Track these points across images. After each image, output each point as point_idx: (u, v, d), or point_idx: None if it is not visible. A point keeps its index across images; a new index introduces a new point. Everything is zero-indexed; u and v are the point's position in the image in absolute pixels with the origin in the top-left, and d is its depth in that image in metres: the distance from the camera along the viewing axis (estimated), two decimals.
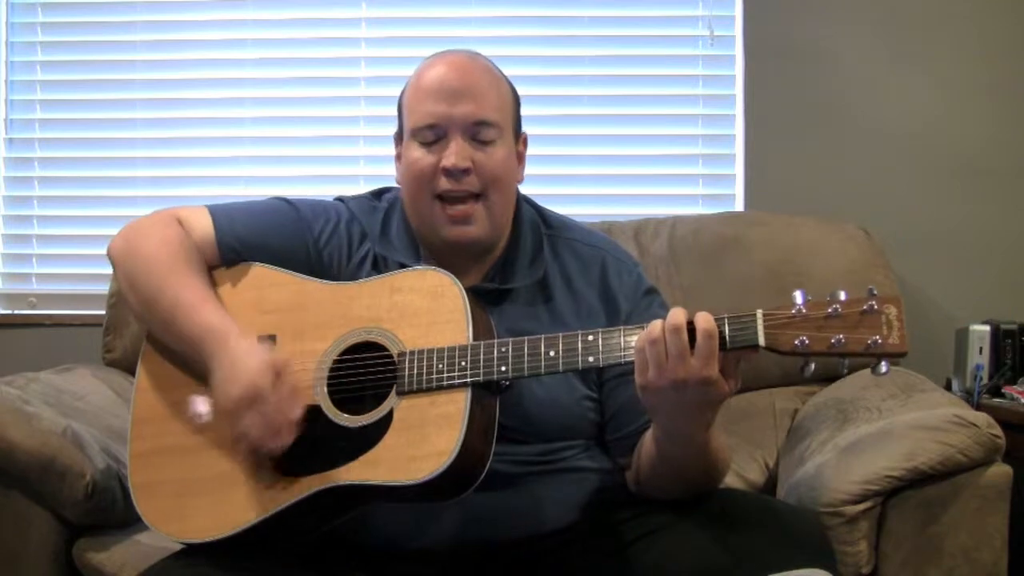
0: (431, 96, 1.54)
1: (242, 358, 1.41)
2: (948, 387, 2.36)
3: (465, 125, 1.53)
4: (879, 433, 1.73)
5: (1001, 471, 1.65)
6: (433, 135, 1.54)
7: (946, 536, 1.63)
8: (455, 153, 1.52)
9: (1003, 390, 2.28)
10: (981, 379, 2.31)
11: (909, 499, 1.64)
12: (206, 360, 1.45)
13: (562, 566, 1.48)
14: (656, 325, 1.31)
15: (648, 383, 1.32)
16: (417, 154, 1.55)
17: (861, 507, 1.62)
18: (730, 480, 2.09)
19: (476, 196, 1.54)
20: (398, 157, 1.63)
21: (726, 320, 1.31)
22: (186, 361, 1.52)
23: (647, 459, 1.49)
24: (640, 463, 1.51)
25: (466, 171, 1.52)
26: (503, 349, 1.40)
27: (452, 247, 1.56)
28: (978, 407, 2.08)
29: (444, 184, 1.53)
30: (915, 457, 1.62)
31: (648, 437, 1.48)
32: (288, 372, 1.42)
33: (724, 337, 1.30)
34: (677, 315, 1.30)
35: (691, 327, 1.30)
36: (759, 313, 1.31)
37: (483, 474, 1.38)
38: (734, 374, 1.33)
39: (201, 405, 1.50)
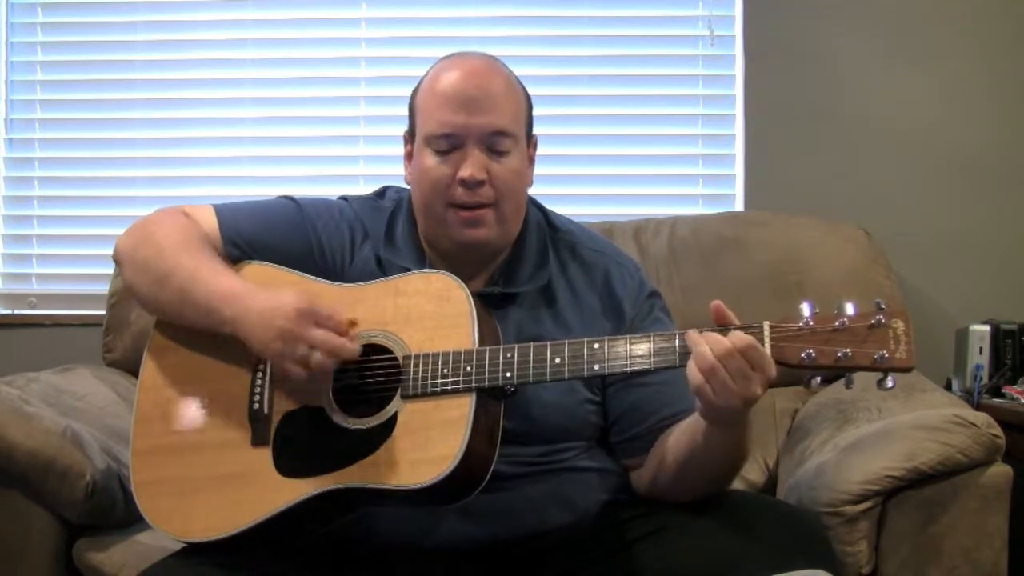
0: (448, 104, 1.52)
1: (272, 298, 1.41)
2: (948, 387, 2.36)
3: (481, 136, 1.52)
4: (879, 433, 1.73)
5: (1001, 471, 1.65)
6: (448, 144, 1.53)
7: (946, 536, 1.63)
8: (472, 165, 1.51)
9: (1003, 390, 2.28)
10: (981, 379, 2.31)
11: (909, 499, 1.64)
12: (228, 323, 1.44)
13: (563, 566, 1.48)
14: (704, 356, 1.28)
15: (716, 405, 1.30)
16: (431, 162, 1.54)
17: (861, 507, 1.62)
18: None
19: (489, 204, 1.53)
20: (408, 156, 1.62)
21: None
22: (194, 358, 1.51)
23: (678, 458, 1.47)
24: (664, 464, 1.50)
25: (481, 183, 1.52)
26: (508, 355, 1.39)
27: (461, 249, 1.56)
28: (978, 407, 2.08)
29: (459, 194, 1.52)
30: (915, 457, 1.62)
31: (680, 440, 1.47)
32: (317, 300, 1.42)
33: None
34: (720, 340, 1.28)
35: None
36: (766, 325, 1.31)
37: (486, 478, 1.39)
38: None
39: (208, 404, 1.50)
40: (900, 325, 1.27)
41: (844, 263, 2.35)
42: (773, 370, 1.29)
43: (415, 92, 1.61)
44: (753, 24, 2.72)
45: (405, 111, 1.63)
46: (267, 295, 1.44)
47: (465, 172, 1.51)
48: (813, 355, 1.28)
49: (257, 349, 1.43)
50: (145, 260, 1.54)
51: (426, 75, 1.60)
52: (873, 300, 1.30)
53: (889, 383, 1.28)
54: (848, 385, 1.32)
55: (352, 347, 1.40)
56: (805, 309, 1.30)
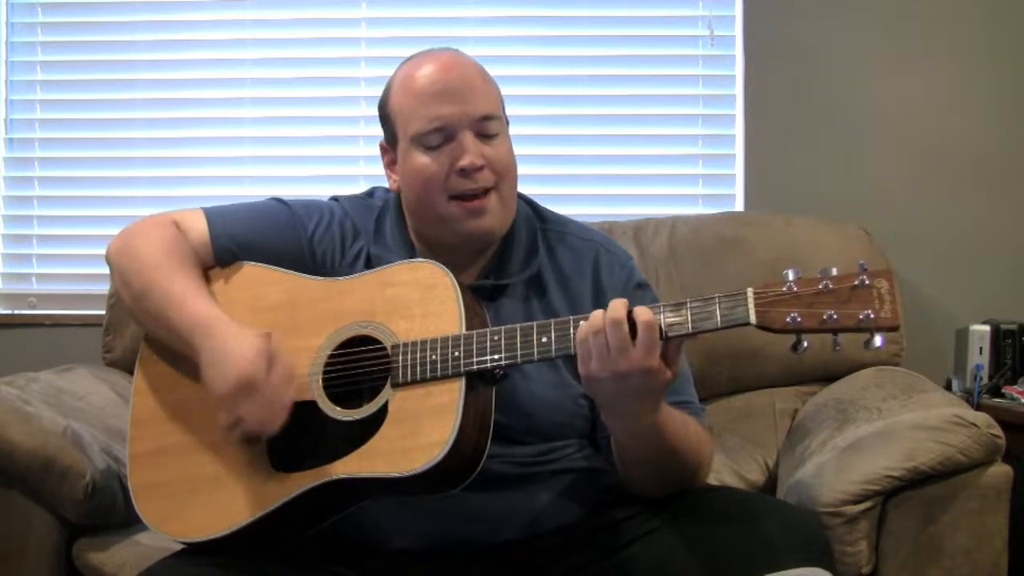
0: (433, 99, 1.53)
1: (233, 344, 1.41)
2: (948, 387, 2.36)
3: (472, 122, 1.52)
4: (879, 433, 1.73)
5: (1001, 471, 1.65)
6: (440, 137, 1.53)
7: (946, 536, 1.63)
8: (470, 152, 1.51)
9: (1003, 390, 2.28)
10: (981, 379, 2.32)
11: (909, 499, 1.64)
12: (196, 350, 1.45)
13: (561, 566, 1.47)
14: (598, 316, 1.31)
15: (590, 373, 1.32)
16: (424, 160, 1.54)
17: (861, 507, 1.62)
18: (730, 480, 2.10)
19: (489, 189, 1.54)
20: (390, 165, 1.62)
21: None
22: (183, 361, 1.51)
23: (614, 452, 1.49)
24: (615, 460, 1.51)
25: (481, 168, 1.52)
26: (495, 338, 1.39)
27: (465, 241, 1.56)
28: (978, 407, 2.09)
29: (460, 184, 1.52)
30: (915, 457, 1.62)
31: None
32: (281, 357, 1.41)
33: (662, 329, 1.30)
34: (618, 308, 1.31)
35: (631, 318, 1.30)
36: (749, 291, 1.31)
37: (481, 463, 1.38)
38: (675, 361, 1.33)
39: (201, 405, 1.50)
40: (884, 285, 1.26)
41: (844, 263, 2.33)
42: (655, 353, 1.29)
43: (385, 100, 1.61)
44: (753, 24, 2.72)
45: None
46: (227, 344, 1.41)
47: (465, 160, 1.51)
48: (798, 319, 1.27)
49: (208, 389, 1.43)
50: (126, 271, 1.56)
51: (393, 81, 1.60)
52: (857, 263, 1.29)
53: (877, 342, 1.26)
54: (835, 347, 1.30)
55: (269, 433, 1.40)
56: (789, 274, 1.30)
